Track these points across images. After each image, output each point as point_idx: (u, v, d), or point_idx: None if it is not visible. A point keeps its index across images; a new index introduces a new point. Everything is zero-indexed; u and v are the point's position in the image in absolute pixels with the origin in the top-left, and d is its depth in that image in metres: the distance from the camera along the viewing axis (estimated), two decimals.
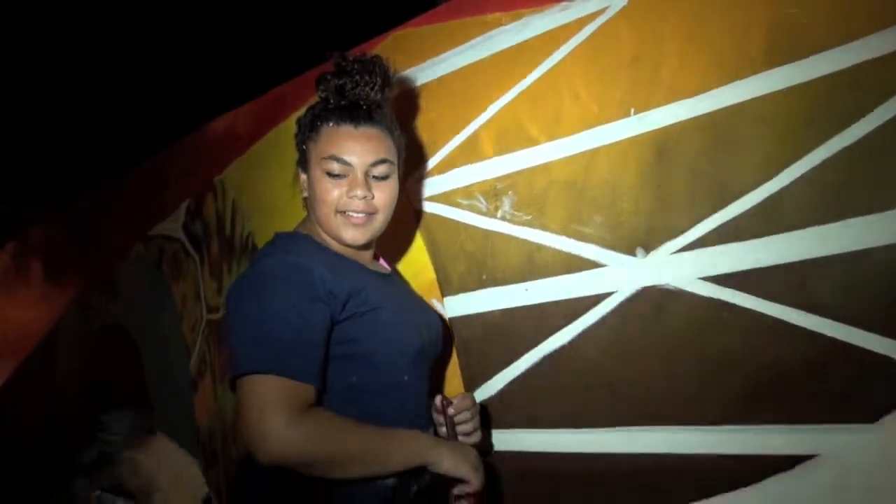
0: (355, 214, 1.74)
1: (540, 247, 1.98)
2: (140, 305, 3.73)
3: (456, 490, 1.66)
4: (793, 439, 1.56)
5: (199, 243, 3.27)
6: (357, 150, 1.73)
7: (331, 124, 1.76)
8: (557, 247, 1.95)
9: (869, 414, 1.49)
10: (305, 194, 1.82)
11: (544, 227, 1.97)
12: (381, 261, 1.97)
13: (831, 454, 1.52)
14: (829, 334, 1.53)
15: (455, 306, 2.15)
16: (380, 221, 1.78)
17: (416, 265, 2.25)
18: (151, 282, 3.61)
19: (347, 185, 1.73)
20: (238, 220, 3.00)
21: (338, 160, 1.73)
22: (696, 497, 1.69)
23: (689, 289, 1.71)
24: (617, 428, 1.82)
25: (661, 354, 1.75)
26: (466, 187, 2.16)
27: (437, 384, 2.01)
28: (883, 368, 1.47)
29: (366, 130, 1.76)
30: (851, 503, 1.50)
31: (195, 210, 3.32)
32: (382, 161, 1.75)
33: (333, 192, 1.73)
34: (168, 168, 3.57)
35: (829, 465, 1.53)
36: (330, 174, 1.73)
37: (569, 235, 1.93)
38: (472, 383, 2.08)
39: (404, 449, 1.61)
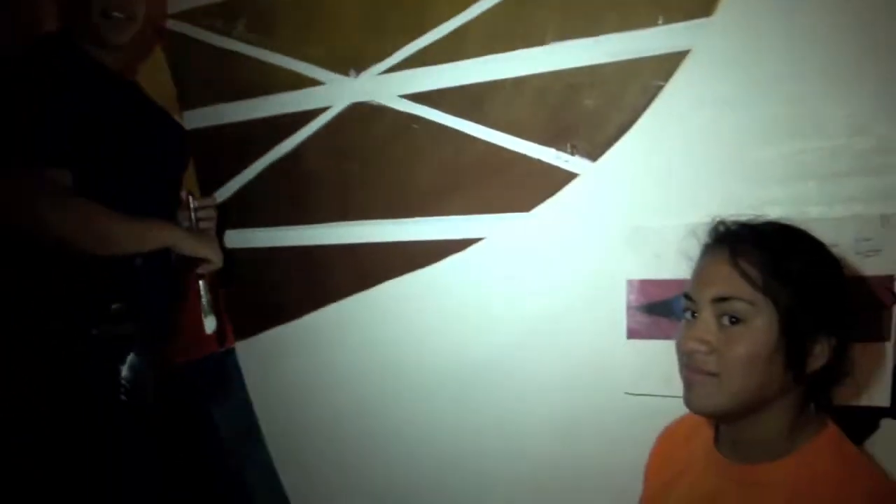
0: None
1: (269, 65, 2.18)
2: None
3: (199, 269, 1.98)
4: (466, 227, 1.92)
5: None
6: None
7: None
8: (285, 66, 2.15)
9: (526, 206, 1.85)
10: None
11: (274, 49, 2.17)
12: None
13: (495, 237, 1.89)
14: (496, 142, 1.87)
15: (193, 119, 2.32)
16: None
17: (158, 80, 2.36)
18: None
19: None
20: None
21: None
22: (398, 273, 2.02)
23: (390, 104, 1.99)
24: (335, 223, 2.12)
25: (368, 159, 2.04)
26: (206, 7, 2.28)
27: (176, 190, 2.20)
28: (537, 169, 1.82)
29: None
30: (508, 274, 1.89)
31: None
32: None
33: None
34: None
35: (494, 245, 1.89)
36: None
37: (294, 56, 2.13)
38: (209, 187, 2.30)
39: (157, 233, 1.91)
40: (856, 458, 1.15)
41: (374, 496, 2.10)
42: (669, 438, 1.43)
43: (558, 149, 1.80)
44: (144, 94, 2.10)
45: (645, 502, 1.41)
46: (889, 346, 1.48)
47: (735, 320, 1.12)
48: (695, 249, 1.28)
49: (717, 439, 1.28)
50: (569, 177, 1.79)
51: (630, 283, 1.72)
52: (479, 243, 1.90)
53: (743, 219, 1.21)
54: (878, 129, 1.51)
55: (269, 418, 2.28)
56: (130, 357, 1.89)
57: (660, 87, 1.69)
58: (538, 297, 1.84)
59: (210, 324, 2.10)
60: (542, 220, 1.82)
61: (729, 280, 1.12)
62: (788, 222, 1.22)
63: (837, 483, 1.09)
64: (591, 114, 1.77)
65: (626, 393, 1.71)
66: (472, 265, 1.91)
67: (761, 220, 1.21)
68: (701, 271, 1.19)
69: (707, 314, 1.14)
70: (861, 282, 1.48)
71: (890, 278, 1.48)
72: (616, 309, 1.73)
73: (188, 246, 1.96)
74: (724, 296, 1.12)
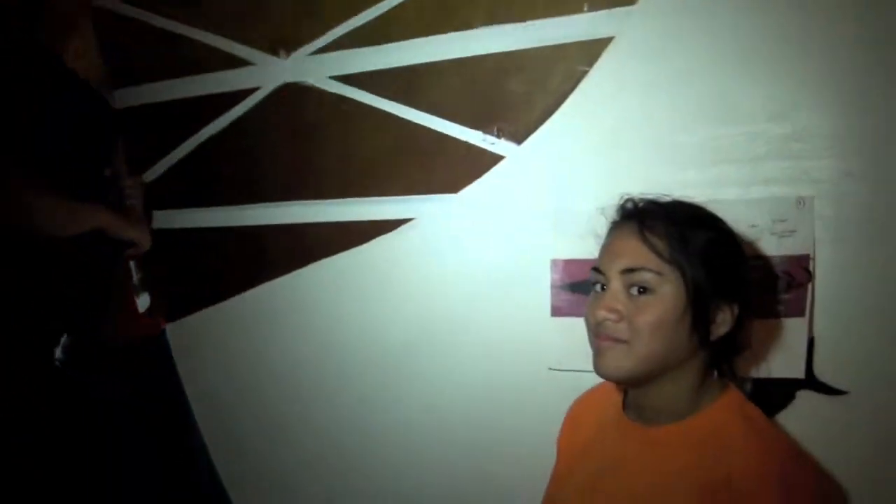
0: None
1: (200, 44, 2.16)
2: None
3: (128, 251, 1.97)
4: (396, 208, 1.93)
5: None
6: None
7: None
8: (215, 45, 2.13)
9: (454, 187, 1.87)
10: None
11: (205, 28, 2.15)
12: None
13: (424, 218, 1.91)
14: (425, 124, 1.88)
15: (124, 98, 2.29)
16: None
17: (88, 59, 2.32)
18: None
19: None
20: None
21: None
22: (329, 254, 2.03)
23: (321, 86, 1.98)
24: (266, 204, 2.12)
25: (298, 140, 2.04)
26: None
27: (104, 171, 2.17)
28: (465, 152, 1.85)
29: None
30: (437, 253, 1.91)
31: None
32: None
33: None
34: None
35: (422, 226, 1.91)
36: None
37: (225, 36, 2.11)
38: (138, 167, 2.27)
39: (86, 215, 1.89)
40: (756, 417, 1.20)
41: (307, 473, 2.11)
42: (579, 409, 1.48)
43: (485, 132, 1.82)
44: (72, 72, 2.05)
45: (558, 471, 1.44)
46: (805, 321, 1.53)
47: (643, 290, 1.17)
48: (603, 227, 1.32)
49: (625, 406, 1.33)
50: (495, 159, 1.82)
51: (554, 262, 1.75)
52: (409, 224, 1.92)
53: (650, 196, 1.27)
54: (794, 115, 1.56)
55: (201, 399, 2.26)
56: (64, 339, 1.86)
57: (584, 73, 1.72)
58: (466, 277, 1.87)
59: (143, 302, 2.06)
60: (470, 202, 1.85)
61: (637, 252, 1.18)
62: (692, 200, 1.28)
63: (740, 440, 1.14)
64: (517, 97, 1.79)
65: (551, 368, 1.75)
66: (402, 245, 1.93)
67: (667, 197, 1.27)
68: (610, 245, 1.24)
69: (616, 284, 1.19)
70: (778, 261, 1.53)
71: (805, 257, 1.52)
72: (541, 288, 1.77)
73: (117, 228, 1.93)
74: (632, 267, 1.18)
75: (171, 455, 2.16)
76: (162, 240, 2.19)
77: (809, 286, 1.53)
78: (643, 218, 1.20)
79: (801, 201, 1.55)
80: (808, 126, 1.56)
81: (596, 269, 1.24)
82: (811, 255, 1.55)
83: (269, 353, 2.12)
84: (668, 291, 1.16)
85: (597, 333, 1.20)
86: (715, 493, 1.09)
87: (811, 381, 1.55)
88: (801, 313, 1.54)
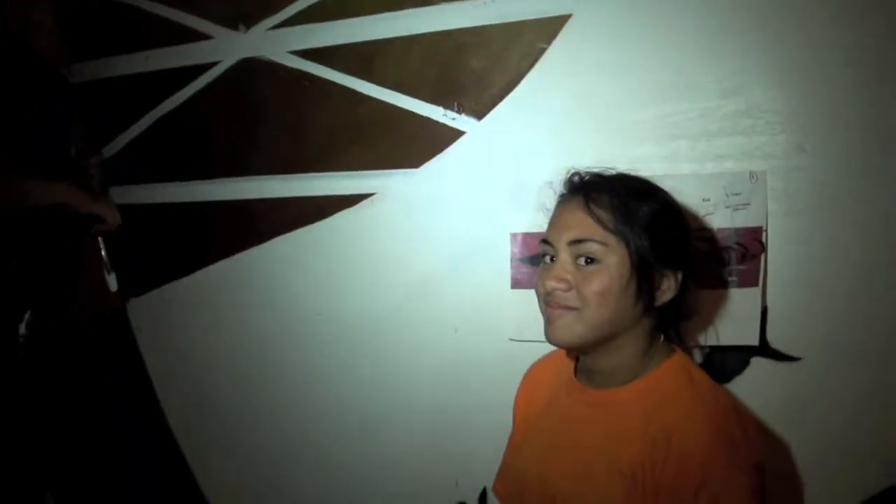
0: None
1: (158, 18, 2.11)
2: None
3: (97, 226, 1.98)
4: (357, 183, 1.92)
5: None
6: None
7: None
8: (174, 19, 2.09)
9: (415, 162, 1.87)
10: None
11: (163, 1, 2.10)
12: None
13: (385, 193, 1.91)
14: (386, 100, 1.88)
15: (81, 73, 2.24)
16: None
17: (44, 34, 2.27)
18: None
19: None
20: None
21: None
22: (290, 229, 2.02)
23: (281, 61, 1.97)
24: (226, 179, 2.09)
25: (258, 115, 2.02)
26: None
27: (64, 147, 2.15)
28: (426, 128, 1.85)
29: None
30: (398, 227, 1.91)
31: None
32: None
33: None
34: None
35: (384, 201, 1.91)
36: None
37: (183, 10, 2.08)
38: (97, 142, 2.23)
39: (51, 189, 1.91)
40: (700, 379, 1.25)
41: (269, 449, 2.11)
42: (533, 376, 1.53)
43: (446, 107, 1.83)
44: (28, 45, 2.01)
45: (514, 437, 1.47)
46: (758, 291, 1.57)
47: (590, 260, 1.21)
48: (552, 200, 1.36)
49: (576, 371, 1.38)
50: (456, 134, 1.83)
51: (514, 236, 1.78)
52: (370, 198, 1.92)
53: (595, 170, 1.30)
54: (747, 93, 1.60)
55: (162, 375, 2.24)
56: (27, 315, 1.84)
57: (543, 50, 1.74)
58: (427, 250, 1.88)
59: (112, 281, 2.04)
60: (431, 176, 1.86)
61: (583, 224, 1.22)
62: (636, 173, 1.32)
63: (683, 400, 1.20)
64: (477, 74, 1.80)
65: (511, 339, 1.76)
66: (364, 220, 1.93)
67: (612, 171, 1.31)
68: (558, 218, 1.28)
69: (565, 256, 1.23)
70: (732, 233, 1.57)
71: (758, 229, 1.56)
72: (501, 261, 1.79)
73: (82, 203, 1.91)
74: (579, 238, 1.22)
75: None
76: (121, 216, 2.15)
77: (762, 257, 1.57)
78: (589, 191, 1.24)
79: (753, 175, 1.58)
80: (759, 103, 1.60)
81: (545, 242, 1.27)
82: (764, 228, 1.59)
83: (231, 330, 2.11)
84: (613, 261, 1.20)
85: (547, 303, 1.25)
86: (655, 448, 1.14)
87: (765, 349, 1.59)
88: (754, 283, 1.59)
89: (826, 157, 1.58)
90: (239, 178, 2.04)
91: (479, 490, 1.85)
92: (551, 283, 1.22)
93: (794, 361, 1.61)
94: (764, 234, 1.59)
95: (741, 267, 1.60)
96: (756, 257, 1.59)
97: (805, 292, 1.60)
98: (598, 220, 1.21)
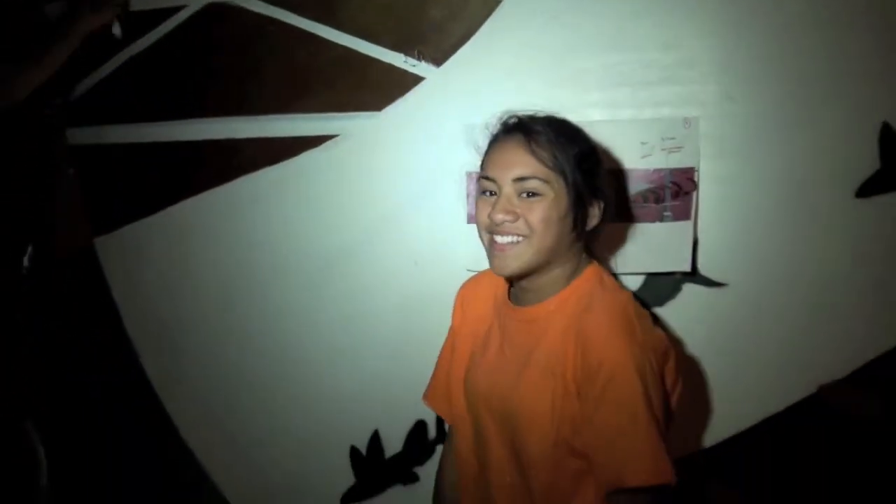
0: None
1: None
2: None
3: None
4: (321, 125, 1.97)
5: None
6: None
7: None
8: None
9: (377, 105, 1.94)
10: None
11: None
12: None
13: (348, 134, 1.96)
14: (347, 45, 1.93)
15: (51, 13, 2.19)
16: None
17: None
18: None
19: None
20: None
21: None
22: (255, 168, 2.05)
23: (246, 5, 1.99)
24: (193, 119, 2.09)
25: (224, 58, 2.04)
26: None
27: None
28: (387, 73, 1.91)
29: None
30: (361, 167, 1.98)
31: None
32: None
33: None
34: None
35: (347, 142, 1.97)
36: None
37: None
38: (63, 83, 2.19)
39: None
40: (609, 281, 1.40)
41: (237, 382, 2.16)
42: (467, 294, 1.64)
43: (407, 54, 1.89)
44: None
45: (455, 342, 1.60)
46: (691, 223, 1.71)
47: (531, 194, 1.31)
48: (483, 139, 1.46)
49: (509, 294, 1.49)
50: (416, 79, 1.89)
51: (469, 174, 1.84)
52: (334, 140, 1.96)
53: (529, 112, 1.41)
54: (683, 44, 1.72)
55: (130, 310, 2.26)
56: (30, 248, 1.86)
57: (498, 1, 1.82)
58: (388, 190, 1.95)
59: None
60: (392, 119, 1.92)
61: (526, 163, 1.32)
62: (561, 117, 1.42)
63: (594, 297, 1.33)
64: (436, 23, 1.86)
65: (468, 269, 1.83)
66: (327, 160, 1.98)
67: (541, 113, 1.41)
68: (500, 156, 1.37)
69: (509, 190, 1.33)
70: (667, 173, 1.70)
71: (691, 170, 1.70)
72: (457, 197, 1.87)
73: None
74: (524, 175, 1.32)
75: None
76: (89, 155, 2.17)
77: (694, 194, 1.70)
78: (529, 132, 1.34)
79: (687, 121, 1.71)
80: (694, 55, 1.72)
81: (486, 178, 1.37)
82: (696, 168, 1.72)
83: (197, 267, 2.14)
84: (553, 194, 1.31)
85: (495, 233, 1.34)
86: (573, 344, 1.28)
87: (695, 275, 1.72)
88: (687, 217, 1.72)
89: (754, 105, 1.72)
90: (204, 119, 2.06)
91: None
92: (500, 216, 1.31)
93: (721, 287, 1.74)
94: (696, 173, 1.72)
95: (675, 203, 1.73)
96: (689, 194, 1.72)
97: (732, 225, 1.75)
98: (540, 160, 1.31)
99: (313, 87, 1.95)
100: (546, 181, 1.31)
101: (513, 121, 1.40)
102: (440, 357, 1.64)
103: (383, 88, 1.91)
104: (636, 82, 1.76)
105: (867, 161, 1.69)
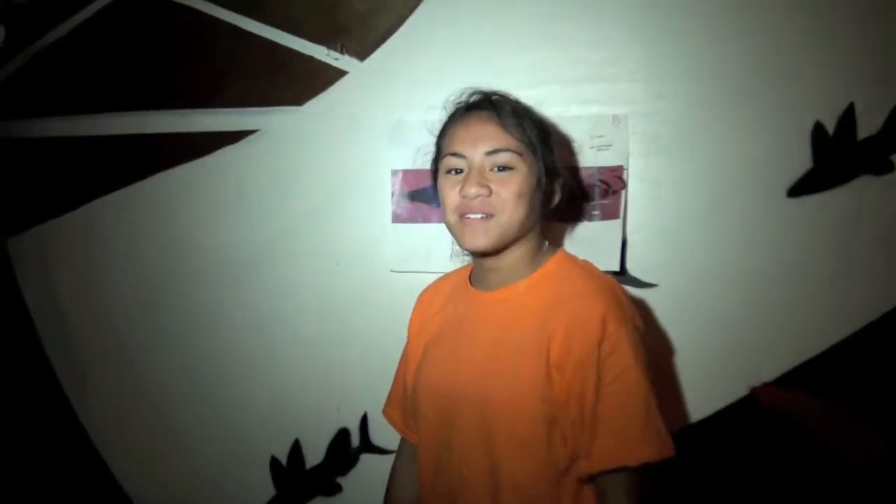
0: None
1: None
2: None
3: None
4: (240, 120, 1.85)
5: None
6: None
7: None
8: None
9: (298, 100, 1.82)
10: None
11: None
12: None
13: (268, 130, 1.84)
14: (268, 37, 1.81)
15: None
16: None
17: None
18: None
19: None
20: None
21: None
22: (172, 164, 1.92)
23: None
24: (108, 114, 1.97)
25: (143, 49, 1.92)
26: None
27: None
28: (310, 67, 1.79)
29: None
30: (281, 164, 1.85)
31: None
32: None
33: None
34: None
35: (266, 138, 1.85)
36: None
37: None
38: None
39: None
40: (584, 262, 1.31)
41: (153, 384, 2.02)
42: (426, 298, 1.49)
43: (329, 47, 1.77)
44: None
45: (412, 354, 1.45)
46: (619, 222, 1.60)
47: (503, 168, 1.23)
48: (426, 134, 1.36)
49: (470, 280, 1.37)
50: (339, 74, 1.78)
51: (394, 172, 1.74)
52: (254, 135, 1.85)
53: (489, 90, 1.32)
54: (610, 42, 1.62)
55: (42, 311, 2.11)
56: None
57: None
58: (309, 187, 1.83)
59: None
60: (314, 114, 1.81)
61: (497, 136, 1.24)
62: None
63: (577, 277, 1.26)
64: (361, 16, 1.75)
65: (392, 271, 1.74)
66: (247, 156, 1.86)
67: (501, 92, 1.33)
68: (467, 131, 1.27)
69: (481, 164, 1.24)
70: (595, 171, 1.60)
71: (619, 168, 1.57)
72: (381, 196, 1.76)
73: None
74: (496, 148, 1.24)
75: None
76: None
77: (623, 193, 1.58)
78: (497, 108, 1.27)
79: (616, 119, 1.60)
80: (621, 52, 1.62)
81: (454, 154, 1.26)
82: (625, 167, 1.60)
83: (111, 266, 2.00)
84: (524, 168, 1.24)
85: (464, 211, 1.24)
86: (558, 324, 1.18)
87: (624, 275, 1.61)
88: (616, 216, 1.60)
89: (683, 103, 1.61)
90: (120, 113, 1.94)
91: (361, 415, 1.82)
92: (474, 190, 1.22)
93: (650, 287, 1.62)
94: (625, 172, 1.61)
95: (604, 202, 1.62)
96: (617, 193, 1.60)
97: (661, 225, 1.64)
98: (511, 133, 1.24)
99: (232, 80, 1.84)
100: (518, 154, 1.24)
101: (477, 96, 1.32)
102: (397, 369, 1.52)
103: (305, 82, 1.80)
104: (563, 80, 1.66)
105: (799, 160, 1.59)
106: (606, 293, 1.21)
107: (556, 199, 1.34)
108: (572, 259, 1.31)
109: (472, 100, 1.32)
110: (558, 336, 1.17)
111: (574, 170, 1.62)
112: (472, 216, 1.24)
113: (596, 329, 1.15)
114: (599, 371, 1.15)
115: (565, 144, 1.61)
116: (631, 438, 1.14)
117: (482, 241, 1.24)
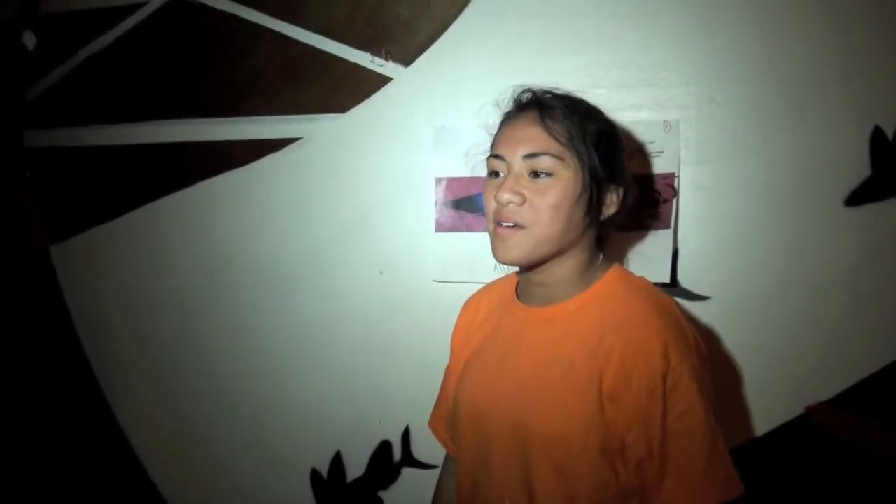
0: None
1: None
2: None
3: None
4: (284, 127, 1.80)
5: None
6: None
7: None
8: None
9: (342, 107, 1.76)
10: None
11: None
12: None
13: (312, 137, 1.79)
14: (312, 43, 1.76)
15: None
16: None
17: None
18: None
19: None
20: None
21: None
22: (216, 172, 1.88)
23: (209, 3, 1.83)
24: (153, 122, 1.93)
25: (186, 57, 1.87)
26: None
27: None
28: (353, 73, 1.74)
29: None
30: (324, 172, 1.80)
31: None
32: None
33: None
34: None
35: (310, 145, 1.79)
36: None
37: None
38: (18, 82, 2.05)
39: None
40: (642, 282, 1.19)
41: (194, 398, 1.98)
42: (471, 307, 1.41)
43: (374, 54, 1.72)
44: None
45: (452, 370, 1.37)
46: (670, 232, 1.51)
47: (543, 174, 1.12)
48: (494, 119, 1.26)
49: (517, 293, 1.28)
50: (383, 80, 1.72)
51: (438, 180, 1.68)
52: (297, 143, 1.79)
53: (544, 87, 1.22)
54: (662, 45, 1.54)
55: (85, 320, 2.08)
56: None
57: (468, 1, 1.65)
58: (352, 195, 1.77)
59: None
60: (358, 121, 1.75)
61: (539, 138, 1.13)
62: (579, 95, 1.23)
63: (634, 301, 1.13)
64: (405, 21, 1.70)
65: (435, 280, 1.68)
66: (290, 164, 1.81)
67: (557, 90, 1.22)
68: (511, 132, 1.18)
69: (519, 169, 1.14)
70: (648, 179, 1.51)
71: (671, 175, 1.50)
72: (425, 204, 1.70)
73: None
74: (535, 152, 1.13)
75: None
76: (45, 158, 2.00)
77: (674, 201, 1.50)
78: (543, 106, 1.16)
79: (667, 125, 1.52)
80: (673, 55, 1.54)
81: (495, 157, 1.18)
82: (676, 174, 1.52)
83: (155, 274, 1.97)
84: (567, 175, 1.13)
85: (498, 218, 1.15)
86: (612, 350, 1.08)
87: (675, 287, 1.53)
88: (667, 226, 1.52)
89: (735, 108, 1.53)
90: (165, 121, 1.90)
91: (403, 428, 1.76)
92: (506, 196, 1.12)
93: (703, 300, 1.54)
94: (676, 179, 1.52)
95: (655, 210, 1.52)
96: (668, 201, 1.52)
97: (713, 234, 1.55)
98: (554, 136, 1.13)
99: (276, 87, 1.79)
100: (560, 158, 1.13)
101: (526, 95, 1.22)
102: (443, 380, 1.44)
103: (349, 89, 1.74)
104: (612, 84, 1.57)
105: (857, 167, 1.50)
106: (666, 319, 1.10)
107: (612, 210, 1.20)
108: (628, 276, 1.20)
109: (523, 98, 1.22)
110: (613, 364, 1.07)
111: (648, 178, 1.53)
112: (505, 224, 1.14)
113: (658, 360, 1.05)
114: (665, 406, 1.05)
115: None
116: (699, 483, 1.05)
117: (510, 254, 1.15)
